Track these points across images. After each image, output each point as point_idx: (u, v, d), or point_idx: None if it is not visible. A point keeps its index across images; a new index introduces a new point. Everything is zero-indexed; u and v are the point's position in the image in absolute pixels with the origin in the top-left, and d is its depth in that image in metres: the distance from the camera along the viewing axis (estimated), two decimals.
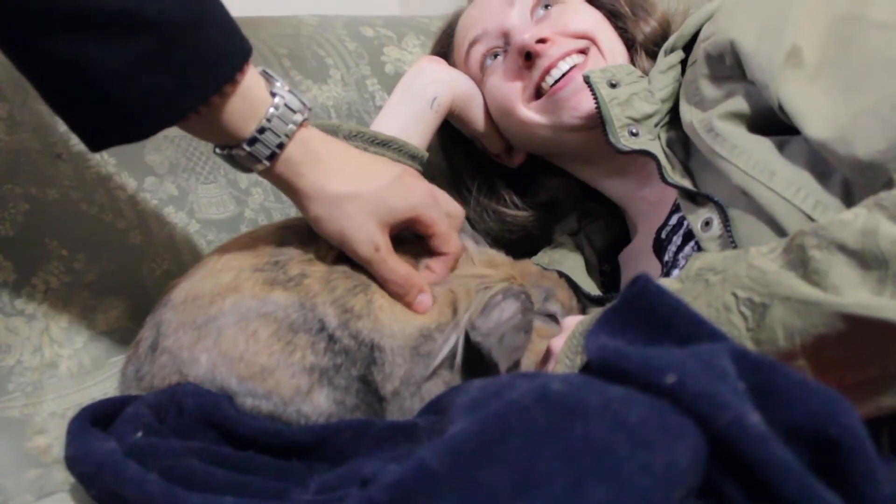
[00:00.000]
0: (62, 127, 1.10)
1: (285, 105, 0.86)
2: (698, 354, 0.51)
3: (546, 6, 1.19)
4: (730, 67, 0.94)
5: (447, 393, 0.81)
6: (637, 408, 0.48)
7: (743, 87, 0.94)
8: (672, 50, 1.09)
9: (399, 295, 0.92)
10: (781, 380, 0.52)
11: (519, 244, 1.21)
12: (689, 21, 1.07)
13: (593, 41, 1.16)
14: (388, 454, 0.74)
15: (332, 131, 1.22)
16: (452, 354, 0.88)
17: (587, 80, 1.06)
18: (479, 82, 1.25)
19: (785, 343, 0.68)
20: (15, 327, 0.99)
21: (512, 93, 1.18)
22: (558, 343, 0.86)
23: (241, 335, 0.85)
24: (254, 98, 0.85)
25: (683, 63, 1.08)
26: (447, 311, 0.92)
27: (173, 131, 1.19)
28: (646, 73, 1.13)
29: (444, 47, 1.32)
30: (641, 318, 0.57)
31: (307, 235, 0.95)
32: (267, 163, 0.87)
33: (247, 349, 0.85)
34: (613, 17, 1.21)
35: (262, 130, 0.85)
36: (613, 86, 1.05)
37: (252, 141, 0.85)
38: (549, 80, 1.13)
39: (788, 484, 0.45)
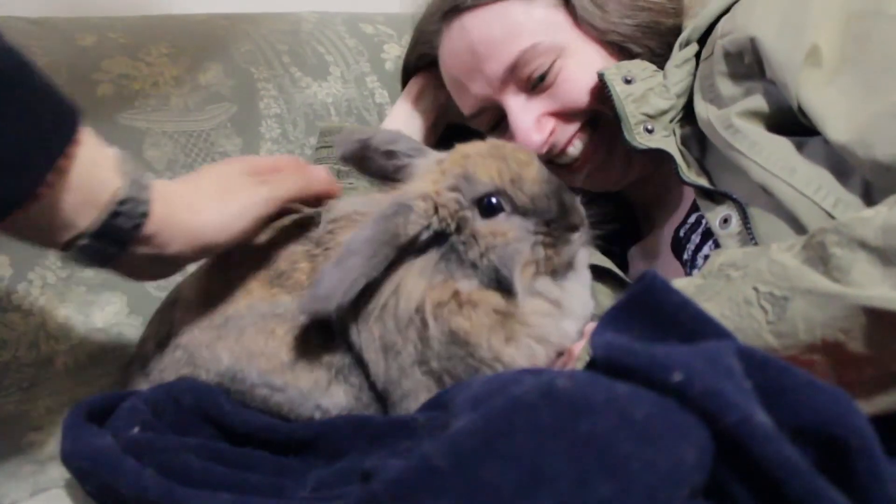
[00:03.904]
0: None
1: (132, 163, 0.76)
2: (705, 352, 0.51)
3: (542, 77, 1.10)
4: (749, 65, 0.93)
5: (448, 389, 0.80)
6: (643, 405, 0.47)
7: (762, 85, 0.93)
8: (687, 43, 1.07)
9: (328, 190, 0.92)
10: (788, 379, 0.51)
11: None
12: (705, 13, 1.04)
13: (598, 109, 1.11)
14: (387, 451, 0.73)
15: (336, 132, 1.22)
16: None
17: (602, 78, 1.04)
18: None
19: (805, 336, 0.67)
20: (11, 322, 0.98)
21: None
22: (579, 346, 0.85)
23: (261, 333, 0.87)
24: (100, 167, 0.72)
25: (697, 55, 1.06)
26: None
27: (172, 126, 1.20)
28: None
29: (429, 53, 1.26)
30: (647, 315, 0.57)
31: (291, 232, 0.94)
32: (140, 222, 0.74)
33: (267, 345, 0.86)
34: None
35: (123, 202, 0.73)
36: (628, 82, 1.04)
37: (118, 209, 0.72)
38: (561, 160, 1.13)
39: (795, 483, 0.45)
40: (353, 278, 0.79)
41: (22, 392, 0.97)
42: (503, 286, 0.84)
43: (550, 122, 1.11)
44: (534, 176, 0.86)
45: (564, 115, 1.11)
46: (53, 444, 0.95)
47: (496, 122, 1.18)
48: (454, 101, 1.23)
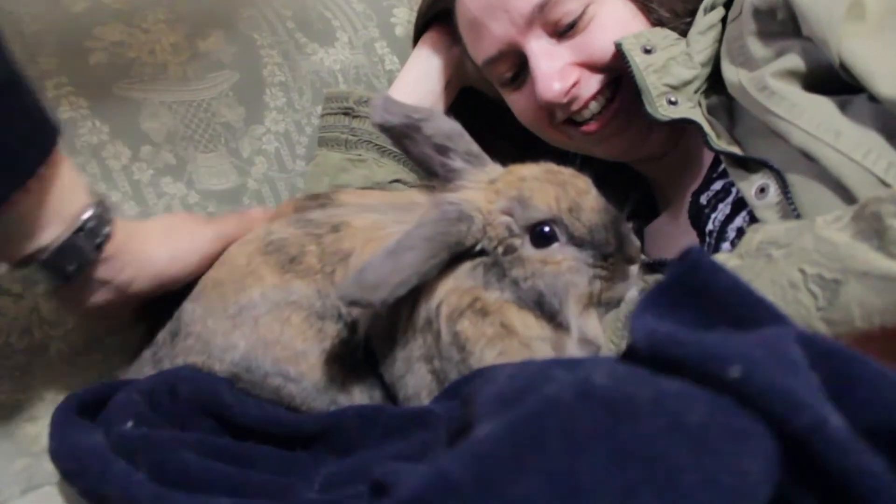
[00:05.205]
0: (50, 93, 1.04)
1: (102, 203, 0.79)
2: (763, 341, 0.44)
3: (572, 24, 1.03)
4: (781, 23, 0.87)
5: (468, 379, 0.74)
6: (696, 406, 0.40)
7: (798, 43, 0.86)
8: (712, 8, 1.00)
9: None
10: (858, 370, 0.45)
11: None
12: None
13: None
14: (400, 445, 0.68)
15: (343, 98, 1.15)
16: None
17: (619, 48, 0.97)
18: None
19: (862, 323, 0.61)
20: (2, 307, 0.94)
21: (538, 117, 1.10)
22: None
23: (277, 322, 0.83)
24: (70, 186, 0.76)
25: (723, 21, 0.99)
26: None
27: (170, 96, 1.14)
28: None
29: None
30: (693, 298, 0.49)
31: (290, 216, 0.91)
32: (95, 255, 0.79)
33: (282, 333, 0.83)
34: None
35: (89, 219, 0.77)
36: (648, 51, 0.97)
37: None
38: (578, 118, 1.06)
39: (881, 500, 0.38)
40: (407, 274, 0.73)
41: (15, 381, 0.93)
42: (544, 311, 0.79)
43: (575, 73, 1.03)
44: (592, 205, 0.81)
45: (590, 68, 1.03)
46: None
47: (514, 73, 1.10)
48: (469, 56, 1.15)
